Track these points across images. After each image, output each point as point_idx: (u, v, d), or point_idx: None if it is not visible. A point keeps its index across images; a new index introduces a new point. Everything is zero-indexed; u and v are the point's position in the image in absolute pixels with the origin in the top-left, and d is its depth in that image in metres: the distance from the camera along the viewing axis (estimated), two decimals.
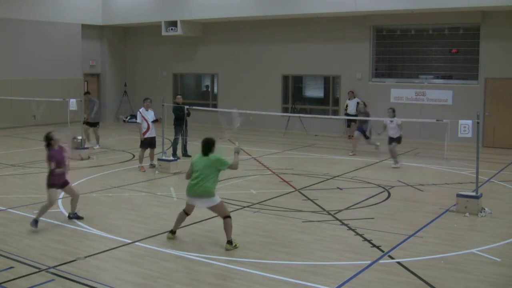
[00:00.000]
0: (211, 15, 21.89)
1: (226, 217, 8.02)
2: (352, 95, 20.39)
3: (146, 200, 10.95)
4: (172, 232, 8.36)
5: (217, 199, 8.00)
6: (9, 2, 21.78)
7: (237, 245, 8.00)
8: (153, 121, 13.96)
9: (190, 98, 24.53)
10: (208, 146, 8.15)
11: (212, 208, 8.08)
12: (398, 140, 14.60)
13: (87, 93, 18.91)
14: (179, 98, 15.98)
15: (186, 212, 8.33)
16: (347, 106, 20.48)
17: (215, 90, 24.41)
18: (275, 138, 20.39)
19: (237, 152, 8.27)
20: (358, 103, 20.34)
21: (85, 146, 16.30)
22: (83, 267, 7.13)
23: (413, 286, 6.65)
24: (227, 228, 7.98)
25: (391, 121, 14.47)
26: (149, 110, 14.06)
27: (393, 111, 14.76)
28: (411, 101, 19.44)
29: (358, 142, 16.61)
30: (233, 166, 8.14)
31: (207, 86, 25.27)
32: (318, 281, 6.73)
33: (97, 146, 17.27)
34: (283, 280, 6.78)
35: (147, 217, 9.61)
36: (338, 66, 21.04)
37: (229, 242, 7.94)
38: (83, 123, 16.68)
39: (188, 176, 8.20)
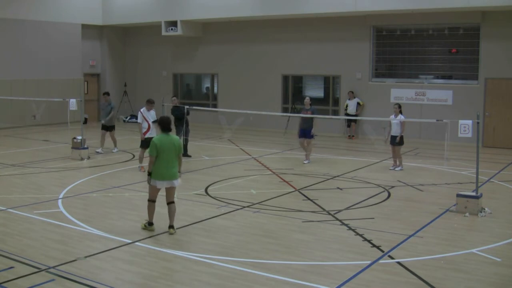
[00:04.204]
0: (211, 15, 21.88)
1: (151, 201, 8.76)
2: (352, 95, 20.40)
3: (146, 200, 10.92)
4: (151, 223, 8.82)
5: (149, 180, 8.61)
6: (9, 2, 21.78)
7: (143, 225, 8.77)
8: (154, 122, 13.95)
9: (190, 98, 24.57)
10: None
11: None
12: (399, 141, 14.05)
13: (106, 93, 17.50)
14: (174, 100, 15.95)
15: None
16: (347, 106, 20.49)
17: (215, 90, 24.41)
18: (275, 138, 20.40)
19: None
20: (358, 103, 20.38)
21: (98, 151, 16.37)
22: (83, 267, 7.13)
23: (413, 286, 6.65)
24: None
25: (395, 118, 13.98)
26: (151, 111, 14.12)
27: (399, 106, 14.21)
28: (411, 101, 19.43)
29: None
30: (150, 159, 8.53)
31: (207, 88, 25.28)
32: (318, 281, 6.73)
33: (115, 150, 16.73)
34: (283, 280, 6.78)
35: (147, 217, 9.60)
36: (338, 66, 21.04)
37: (149, 223, 8.77)
38: (102, 129, 16.65)
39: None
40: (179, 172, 8.61)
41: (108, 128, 16.71)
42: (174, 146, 8.46)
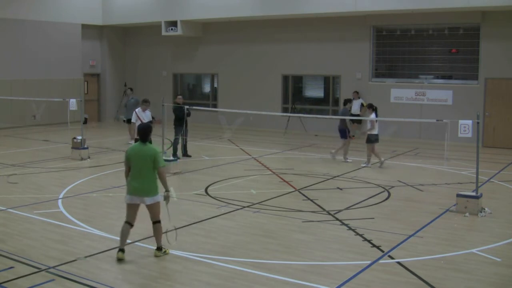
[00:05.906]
0: (211, 15, 21.89)
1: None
2: (356, 95, 20.34)
3: None
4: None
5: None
6: (9, 2, 21.78)
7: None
8: (150, 122, 13.96)
9: (190, 98, 24.56)
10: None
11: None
12: (369, 138, 14.31)
13: (130, 88, 19.37)
14: (180, 99, 16.02)
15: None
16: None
17: (216, 89, 24.43)
18: (275, 138, 20.40)
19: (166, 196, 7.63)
20: (362, 104, 20.33)
21: (130, 142, 17.19)
22: (83, 267, 7.13)
23: (413, 286, 6.65)
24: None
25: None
26: (146, 112, 14.20)
27: (369, 106, 14.55)
28: (411, 101, 19.45)
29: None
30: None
31: (192, 85, 25.85)
32: (318, 281, 6.73)
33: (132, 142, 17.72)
34: (283, 280, 6.78)
35: (147, 217, 9.59)
36: (338, 66, 21.04)
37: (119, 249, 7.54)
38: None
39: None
40: (167, 191, 7.54)
41: (127, 121, 18.04)
42: (149, 157, 7.42)
